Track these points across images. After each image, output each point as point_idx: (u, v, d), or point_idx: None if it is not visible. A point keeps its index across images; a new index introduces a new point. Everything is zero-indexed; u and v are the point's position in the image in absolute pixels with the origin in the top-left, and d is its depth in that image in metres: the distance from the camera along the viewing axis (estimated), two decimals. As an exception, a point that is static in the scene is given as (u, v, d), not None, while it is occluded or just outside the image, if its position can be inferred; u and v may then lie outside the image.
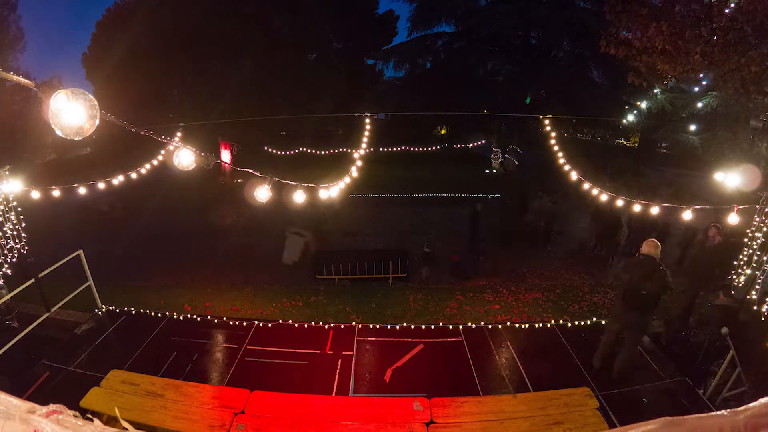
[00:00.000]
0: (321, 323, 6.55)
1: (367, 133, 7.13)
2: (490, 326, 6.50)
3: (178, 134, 7.06)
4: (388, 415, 4.46)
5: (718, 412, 0.80)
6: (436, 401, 4.58)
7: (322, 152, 21.13)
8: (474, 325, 6.49)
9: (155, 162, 6.38)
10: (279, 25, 15.05)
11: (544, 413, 4.43)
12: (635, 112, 17.79)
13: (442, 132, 29.42)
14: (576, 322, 6.67)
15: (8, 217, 5.40)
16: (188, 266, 10.16)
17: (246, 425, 4.25)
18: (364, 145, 6.88)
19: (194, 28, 13.69)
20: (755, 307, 4.95)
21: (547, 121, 6.21)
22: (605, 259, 10.61)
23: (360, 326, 6.44)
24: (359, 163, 5.90)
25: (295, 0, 15.39)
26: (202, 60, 14.23)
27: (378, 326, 6.42)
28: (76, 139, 1.64)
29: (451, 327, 6.43)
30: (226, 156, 18.08)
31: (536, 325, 6.54)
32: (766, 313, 4.86)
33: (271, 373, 5.43)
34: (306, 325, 6.46)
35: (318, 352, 5.84)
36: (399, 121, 22.89)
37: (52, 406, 0.95)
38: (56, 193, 5.47)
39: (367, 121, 7.22)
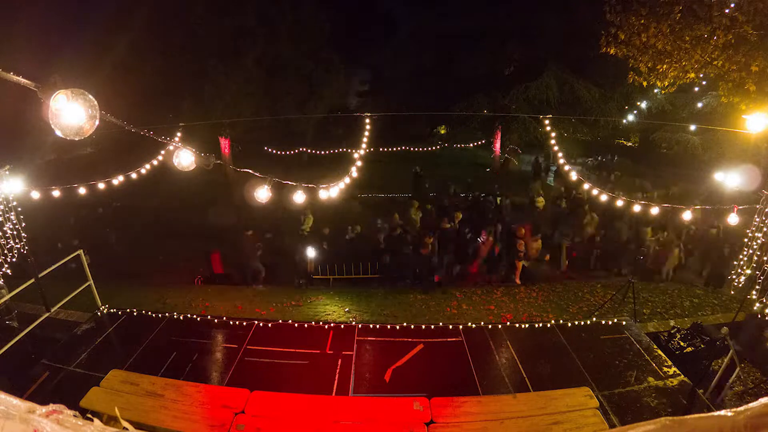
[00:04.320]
0: (321, 323, 6.55)
1: (366, 133, 7.13)
2: (490, 326, 6.49)
3: (178, 134, 7.07)
4: (388, 415, 4.46)
5: (718, 412, 0.80)
6: (436, 401, 4.57)
7: (322, 152, 21.15)
8: (474, 325, 6.48)
9: (155, 162, 6.40)
10: (279, 24, 15.06)
11: (544, 413, 4.42)
12: (635, 112, 17.78)
13: (442, 131, 29.39)
14: (576, 322, 6.65)
15: (8, 217, 5.41)
16: (188, 266, 10.15)
17: (246, 425, 4.24)
18: (363, 145, 6.88)
19: (194, 27, 13.71)
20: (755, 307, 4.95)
21: (547, 121, 6.22)
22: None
23: (360, 326, 6.43)
24: (359, 163, 5.91)
25: (296, -1, 15.44)
26: (202, 60, 14.22)
27: (378, 326, 6.41)
28: (76, 139, 1.64)
29: (451, 327, 6.42)
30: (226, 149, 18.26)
31: (536, 325, 6.53)
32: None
33: (271, 373, 5.43)
34: (306, 325, 6.45)
35: (318, 352, 5.83)
36: (398, 121, 22.88)
37: (52, 406, 0.95)
38: (56, 193, 5.49)
39: (367, 121, 7.22)
